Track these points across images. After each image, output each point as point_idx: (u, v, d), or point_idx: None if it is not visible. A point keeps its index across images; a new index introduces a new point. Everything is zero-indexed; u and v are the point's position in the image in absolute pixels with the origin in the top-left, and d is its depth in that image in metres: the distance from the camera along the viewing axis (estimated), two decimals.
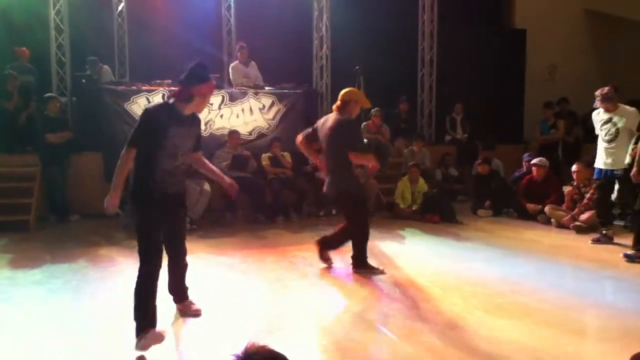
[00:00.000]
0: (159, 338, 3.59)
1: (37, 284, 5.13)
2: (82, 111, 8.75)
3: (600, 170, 6.58)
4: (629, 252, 5.99)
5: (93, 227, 7.65)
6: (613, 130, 6.38)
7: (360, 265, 5.39)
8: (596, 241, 6.73)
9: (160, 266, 3.77)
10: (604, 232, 6.77)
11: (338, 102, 5.30)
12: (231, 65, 9.67)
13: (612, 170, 6.43)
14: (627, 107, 6.43)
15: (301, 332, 4.01)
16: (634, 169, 5.87)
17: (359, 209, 5.39)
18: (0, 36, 9.11)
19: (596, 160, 6.64)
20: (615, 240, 6.73)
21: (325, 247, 5.63)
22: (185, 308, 4.27)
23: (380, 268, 5.45)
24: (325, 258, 5.63)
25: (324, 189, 5.45)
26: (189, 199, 7.62)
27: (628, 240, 6.38)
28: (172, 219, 3.95)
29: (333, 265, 5.64)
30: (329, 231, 5.86)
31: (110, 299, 4.70)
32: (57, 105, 8.19)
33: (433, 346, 3.74)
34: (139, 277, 3.69)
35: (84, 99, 8.75)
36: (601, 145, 6.53)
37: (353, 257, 5.42)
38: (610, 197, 6.64)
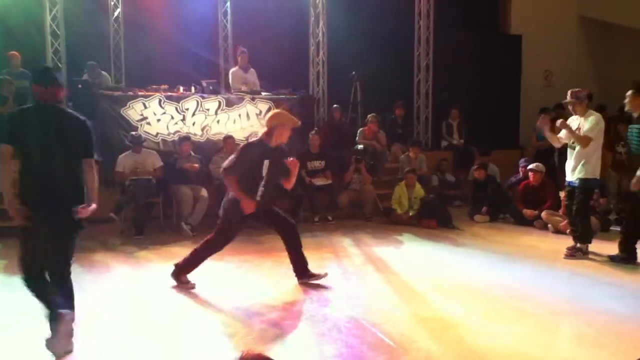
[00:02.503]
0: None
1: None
2: None
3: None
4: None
5: (88, 232, 7.54)
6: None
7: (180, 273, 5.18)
8: (570, 256, 6.37)
9: None
10: (578, 245, 6.46)
11: (264, 129, 5.16)
12: (231, 70, 9.69)
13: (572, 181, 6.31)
14: (594, 112, 6.25)
15: (298, 338, 4.00)
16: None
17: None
18: None
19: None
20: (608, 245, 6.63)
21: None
22: None
23: (192, 283, 5.14)
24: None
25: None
26: (183, 206, 7.67)
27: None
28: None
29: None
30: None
31: (106, 305, 4.67)
32: None
33: (430, 352, 3.73)
34: None
35: (80, 104, 8.70)
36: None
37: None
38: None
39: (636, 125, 5.80)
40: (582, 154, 6.14)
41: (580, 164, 6.15)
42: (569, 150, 6.35)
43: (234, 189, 4.91)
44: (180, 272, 5.16)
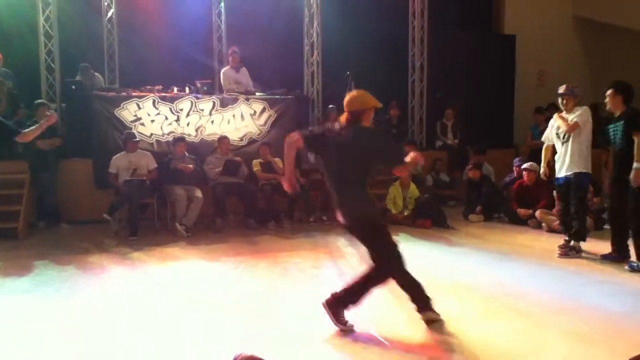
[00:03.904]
0: None
1: (27, 292, 5.08)
2: (72, 117, 8.72)
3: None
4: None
5: (83, 233, 7.59)
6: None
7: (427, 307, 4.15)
8: (563, 255, 6.41)
9: None
10: (572, 243, 6.51)
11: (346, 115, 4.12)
12: (222, 70, 9.67)
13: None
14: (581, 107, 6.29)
15: (293, 339, 3.99)
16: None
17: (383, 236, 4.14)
18: None
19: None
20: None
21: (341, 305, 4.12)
22: None
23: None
24: (341, 321, 4.09)
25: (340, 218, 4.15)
26: (177, 207, 7.65)
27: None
28: None
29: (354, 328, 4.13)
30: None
31: (101, 306, 4.66)
32: (46, 112, 8.12)
33: (426, 351, 3.73)
34: None
35: (73, 105, 8.71)
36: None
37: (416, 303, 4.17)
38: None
39: (619, 123, 5.85)
40: (576, 147, 6.17)
41: (576, 158, 6.18)
42: (559, 147, 6.38)
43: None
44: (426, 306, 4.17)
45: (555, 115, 6.46)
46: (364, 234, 4.12)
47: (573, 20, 13.44)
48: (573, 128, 6.15)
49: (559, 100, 6.39)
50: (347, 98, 4.17)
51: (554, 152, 6.58)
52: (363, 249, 4.15)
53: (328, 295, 4.13)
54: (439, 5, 11.34)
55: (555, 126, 6.48)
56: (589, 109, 6.26)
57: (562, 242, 6.57)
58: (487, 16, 13.26)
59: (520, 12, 12.84)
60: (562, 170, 6.35)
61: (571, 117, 6.20)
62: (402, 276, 4.16)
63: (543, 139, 6.83)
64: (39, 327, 4.21)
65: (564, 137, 6.29)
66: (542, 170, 6.88)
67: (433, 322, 4.11)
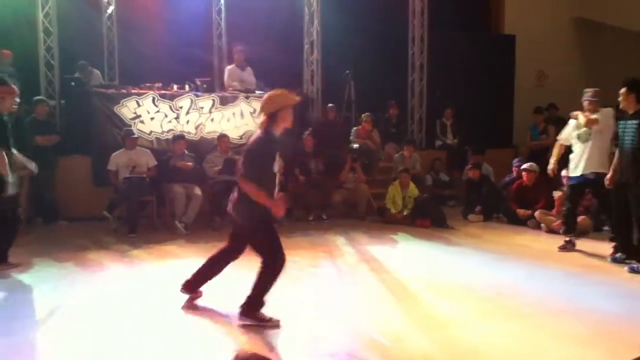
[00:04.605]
0: None
1: (25, 289, 5.07)
2: (71, 114, 8.69)
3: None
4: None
5: (81, 231, 7.58)
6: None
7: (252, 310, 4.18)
8: (562, 248, 6.63)
9: None
10: (568, 238, 6.68)
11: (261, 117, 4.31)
12: (227, 67, 9.67)
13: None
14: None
15: (291, 337, 3.99)
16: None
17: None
18: None
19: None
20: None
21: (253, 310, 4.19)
22: None
23: (275, 319, 4.15)
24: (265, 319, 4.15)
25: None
26: (176, 205, 7.64)
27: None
28: None
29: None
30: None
31: (99, 303, 4.65)
32: (45, 109, 8.10)
33: (424, 351, 3.73)
34: None
35: (72, 102, 8.68)
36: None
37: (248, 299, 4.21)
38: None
39: (632, 122, 5.83)
40: (596, 148, 6.21)
41: (596, 158, 6.21)
42: (578, 147, 6.39)
43: (258, 196, 4.05)
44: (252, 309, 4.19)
45: (577, 113, 6.45)
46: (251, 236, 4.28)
47: (572, 21, 13.44)
48: (592, 122, 6.16)
49: (585, 104, 6.38)
50: (261, 102, 4.35)
51: (566, 151, 6.59)
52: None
53: (239, 311, 4.17)
54: (439, 5, 11.33)
55: (573, 125, 6.50)
56: (612, 110, 6.27)
57: (559, 242, 6.59)
58: (486, 16, 13.26)
59: (520, 13, 12.84)
60: (578, 169, 6.38)
61: (594, 116, 6.21)
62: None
63: (559, 137, 6.81)
64: (37, 323, 4.21)
65: (584, 137, 6.31)
66: (550, 166, 6.82)
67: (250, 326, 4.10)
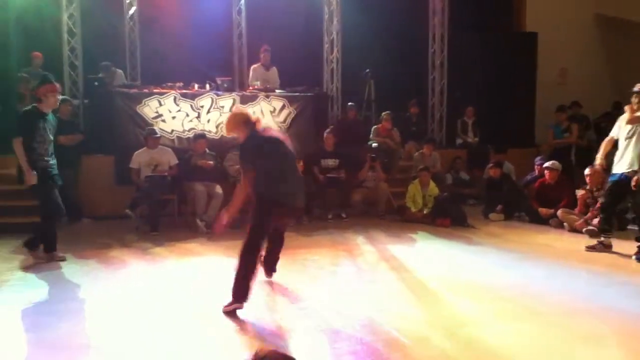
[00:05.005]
0: None
1: (49, 285, 5.15)
2: (94, 114, 8.80)
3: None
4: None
5: (104, 229, 7.68)
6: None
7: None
8: (591, 248, 6.52)
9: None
10: (602, 238, 6.55)
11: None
12: (252, 66, 9.73)
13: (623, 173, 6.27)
14: None
15: (312, 335, 4.00)
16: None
17: None
18: (15, 40, 9.18)
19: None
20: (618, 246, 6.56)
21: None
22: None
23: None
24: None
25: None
26: (197, 204, 7.70)
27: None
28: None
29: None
30: None
31: (122, 300, 4.71)
32: (69, 108, 8.22)
33: (444, 350, 3.72)
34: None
35: (95, 102, 8.80)
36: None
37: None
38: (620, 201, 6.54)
39: None
40: (637, 145, 6.10)
41: (632, 156, 6.10)
42: (622, 143, 6.28)
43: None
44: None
45: (626, 107, 6.34)
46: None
47: (595, 18, 13.24)
48: (634, 120, 6.06)
49: (633, 98, 6.22)
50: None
51: (614, 146, 6.49)
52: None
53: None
54: (459, 3, 11.25)
55: (622, 119, 6.37)
56: None
57: (585, 241, 6.50)
58: (508, 13, 13.11)
59: (541, 10, 12.67)
60: (618, 166, 6.29)
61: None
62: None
63: (611, 133, 6.62)
64: (61, 319, 4.27)
65: (628, 133, 6.21)
66: (598, 161, 6.66)
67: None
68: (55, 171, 5.89)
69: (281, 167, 4.58)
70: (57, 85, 6.06)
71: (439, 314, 4.41)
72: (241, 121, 4.63)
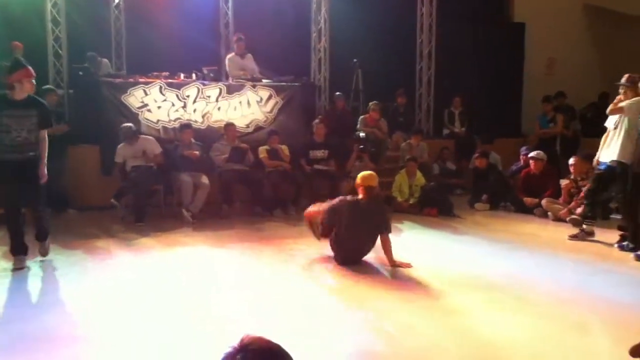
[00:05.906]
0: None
1: (35, 276, 5.12)
2: (79, 104, 8.70)
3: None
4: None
5: (90, 219, 7.63)
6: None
7: None
8: (574, 237, 6.60)
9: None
10: (584, 226, 6.64)
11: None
12: (227, 56, 9.63)
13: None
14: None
15: (298, 325, 4.01)
16: None
17: None
18: None
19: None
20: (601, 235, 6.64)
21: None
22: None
23: None
24: None
25: None
26: (183, 194, 7.67)
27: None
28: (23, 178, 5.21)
29: None
30: None
31: (109, 290, 4.69)
32: (54, 98, 8.12)
33: (432, 340, 3.74)
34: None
35: (81, 92, 8.70)
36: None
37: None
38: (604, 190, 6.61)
39: None
40: (619, 135, 6.11)
41: (617, 145, 6.11)
42: (611, 133, 6.29)
43: None
44: None
45: (615, 100, 6.36)
46: None
47: (583, 8, 13.28)
48: (615, 110, 6.10)
49: (620, 89, 6.25)
50: None
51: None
52: None
53: None
54: None
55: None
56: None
57: (568, 230, 6.56)
58: (496, 4, 13.12)
59: (529, 0, 12.70)
60: (603, 155, 6.35)
61: (622, 103, 6.12)
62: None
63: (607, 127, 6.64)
64: (48, 310, 4.25)
65: (614, 124, 6.24)
66: (595, 159, 6.68)
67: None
68: (27, 167, 5.31)
69: None
70: (31, 69, 5.48)
71: (427, 304, 4.44)
72: None
